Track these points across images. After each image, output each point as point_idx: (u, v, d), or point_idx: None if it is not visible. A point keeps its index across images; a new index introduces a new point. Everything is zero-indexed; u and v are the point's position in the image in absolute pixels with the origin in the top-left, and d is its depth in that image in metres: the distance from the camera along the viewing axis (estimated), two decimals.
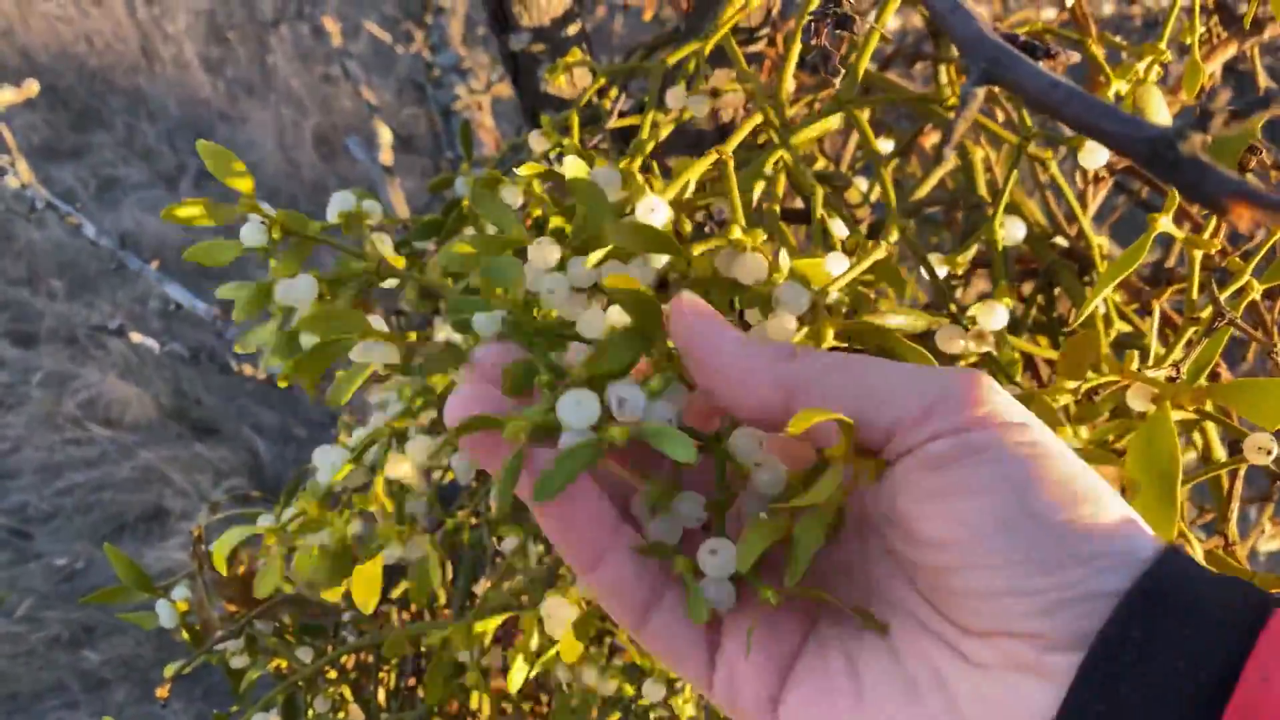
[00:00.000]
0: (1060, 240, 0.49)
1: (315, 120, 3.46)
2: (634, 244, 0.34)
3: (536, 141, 0.47)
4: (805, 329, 0.35)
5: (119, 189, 3.21)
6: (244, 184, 0.38)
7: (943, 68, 0.54)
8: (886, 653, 0.30)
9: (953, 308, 0.43)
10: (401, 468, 0.46)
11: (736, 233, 0.37)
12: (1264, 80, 0.55)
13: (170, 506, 2.59)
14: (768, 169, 0.44)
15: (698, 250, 0.37)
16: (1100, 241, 0.48)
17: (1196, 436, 0.45)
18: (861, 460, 0.29)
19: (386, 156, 1.47)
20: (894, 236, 0.40)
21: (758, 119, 0.46)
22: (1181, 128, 0.18)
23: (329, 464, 0.42)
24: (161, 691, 0.54)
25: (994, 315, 0.39)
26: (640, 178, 0.39)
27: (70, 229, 3.13)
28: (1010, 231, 0.41)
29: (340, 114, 3.46)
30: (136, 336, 1.01)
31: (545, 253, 0.35)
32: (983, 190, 0.49)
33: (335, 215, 0.44)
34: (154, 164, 3.28)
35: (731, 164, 0.40)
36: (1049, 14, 1.05)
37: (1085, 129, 0.20)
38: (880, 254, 0.37)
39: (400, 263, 0.45)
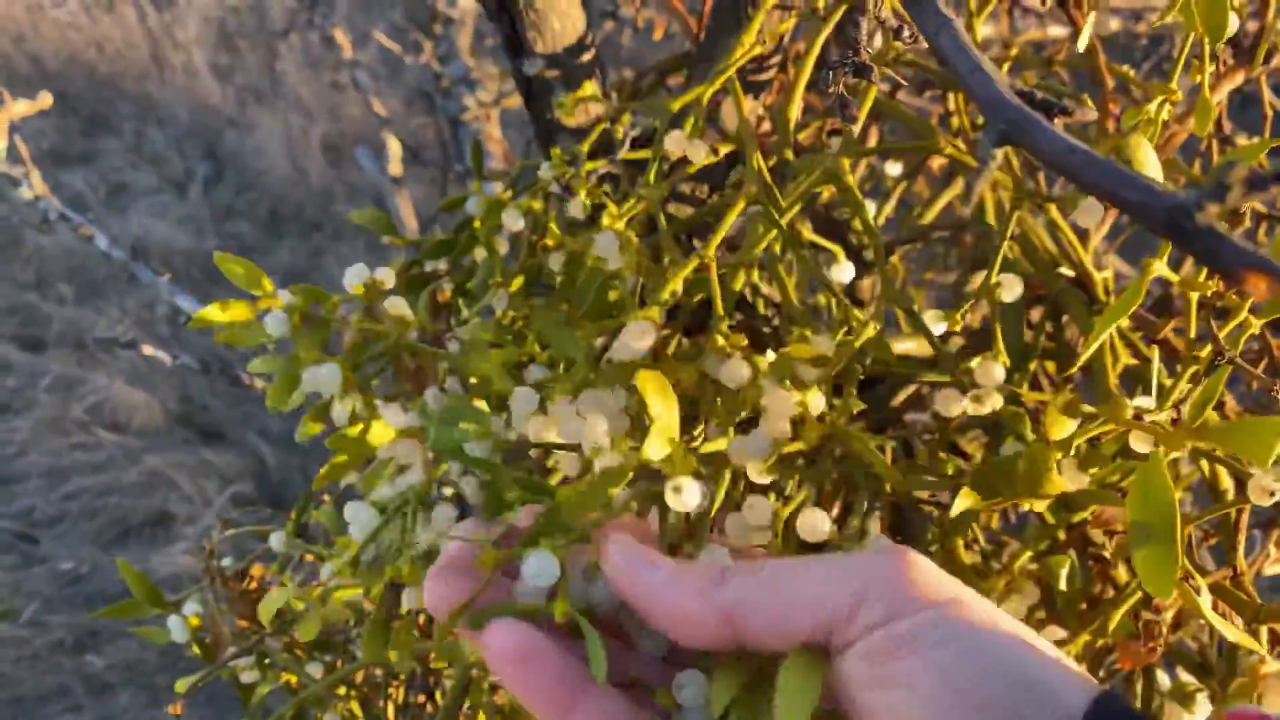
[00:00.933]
0: (1067, 271, 0.50)
1: (323, 128, 3.48)
2: (619, 379, 0.36)
3: (546, 173, 0.47)
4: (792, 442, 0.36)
5: (128, 194, 3.22)
6: (265, 284, 0.39)
7: (951, 94, 0.55)
8: None
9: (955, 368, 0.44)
10: (428, 537, 0.46)
11: (720, 341, 0.38)
12: (1270, 108, 0.55)
13: (176, 511, 2.60)
14: (755, 253, 0.45)
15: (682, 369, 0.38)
16: (1105, 275, 0.49)
17: (1204, 464, 0.46)
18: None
19: (395, 168, 1.48)
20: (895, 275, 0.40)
21: (739, 207, 0.46)
22: (1199, 199, 0.18)
23: (361, 523, 0.43)
24: (174, 709, 0.55)
25: (992, 372, 0.39)
26: (637, 250, 0.40)
27: (77, 236, 3.15)
28: (1009, 289, 0.41)
29: (348, 122, 3.48)
30: (148, 349, 1.02)
31: (524, 401, 0.37)
32: (991, 219, 0.49)
33: (352, 286, 0.45)
34: (163, 170, 3.29)
35: (715, 268, 0.41)
36: (1056, 31, 1.05)
37: (1103, 195, 0.20)
38: (870, 332, 0.38)
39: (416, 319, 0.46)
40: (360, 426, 0.41)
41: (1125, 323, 0.48)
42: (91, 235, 1.01)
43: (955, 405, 0.39)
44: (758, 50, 0.45)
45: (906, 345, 0.52)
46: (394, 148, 1.47)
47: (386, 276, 0.45)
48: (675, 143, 0.43)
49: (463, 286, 0.58)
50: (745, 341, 0.39)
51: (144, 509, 2.61)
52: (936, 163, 0.76)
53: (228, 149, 3.39)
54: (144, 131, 3.37)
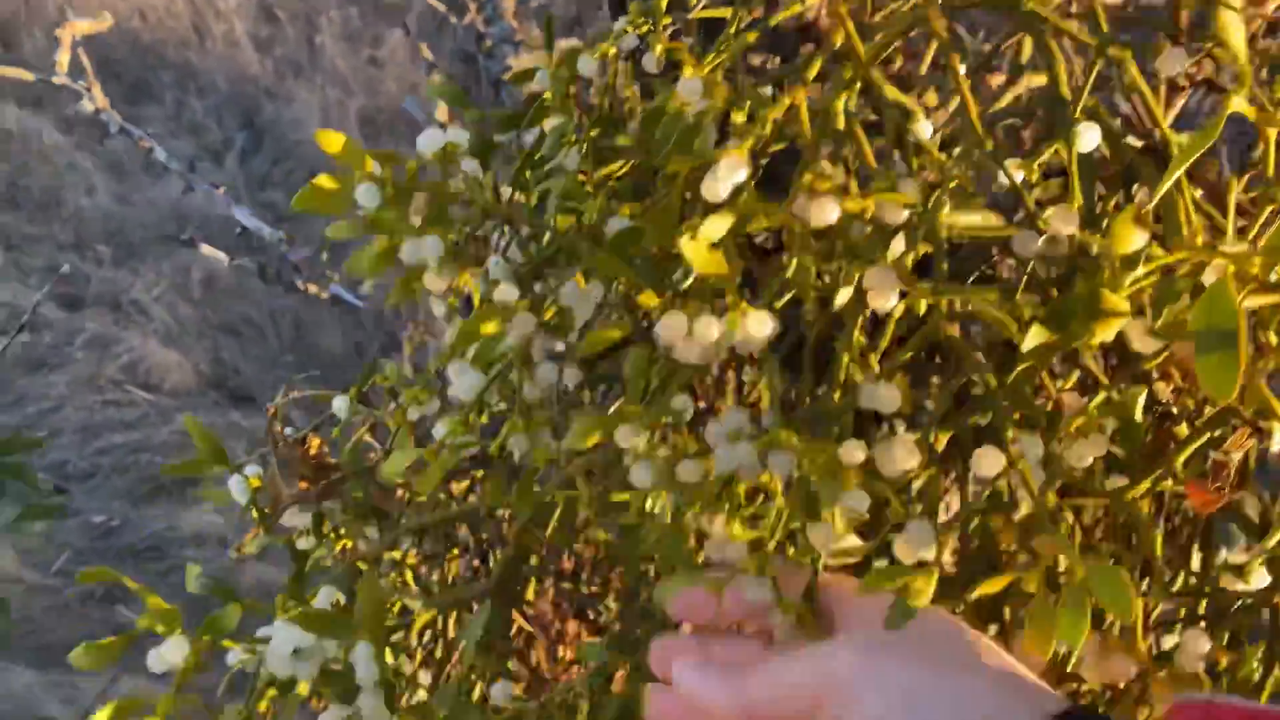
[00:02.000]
0: (1135, 141, 0.50)
1: (360, 102, 3.50)
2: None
3: (622, 25, 0.48)
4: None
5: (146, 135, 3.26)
6: (367, 162, 0.40)
7: None
8: None
9: (1031, 206, 0.44)
10: (534, 393, 0.47)
11: (810, 178, 0.38)
12: None
13: (205, 472, 2.62)
14: (839, 105, 0.45)
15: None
16: (1180, 139, 0.49)
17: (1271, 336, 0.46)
18: None
19: (443, 113, 1.49)
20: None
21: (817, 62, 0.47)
22: None
23: (468, 386, 0.44)
24: (239, 550, 0.56)
25: (1068, 219, 0.40)
26: (723, 93, 0.41)
27: (117, 197, 3.19)
28: (1086, 137, 0.42)
29: (385, 96, 3.50)
30: (207, 249, 1.04)
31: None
32: (1065, 90, 0.49)
33: (429, 153, 0.46)
34: (201, 138, 3.32)
35: (805, 106, 0.41)
36: None
37: None
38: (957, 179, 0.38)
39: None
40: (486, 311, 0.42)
41: (1197, 192, 0.48)
42: (150, 148, 1.02)
43: (1032, 244, 0.40)
44: None
45: (973, 218, 0.52)
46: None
47: (461, 139, 0.45)
48: None
49: (529, 158, 0.59)
50: (840, 179, 0.39)
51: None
52: (994, 81, 0.76)
53: (265, 119, 3.42)
54: (184, 100, 3.41)
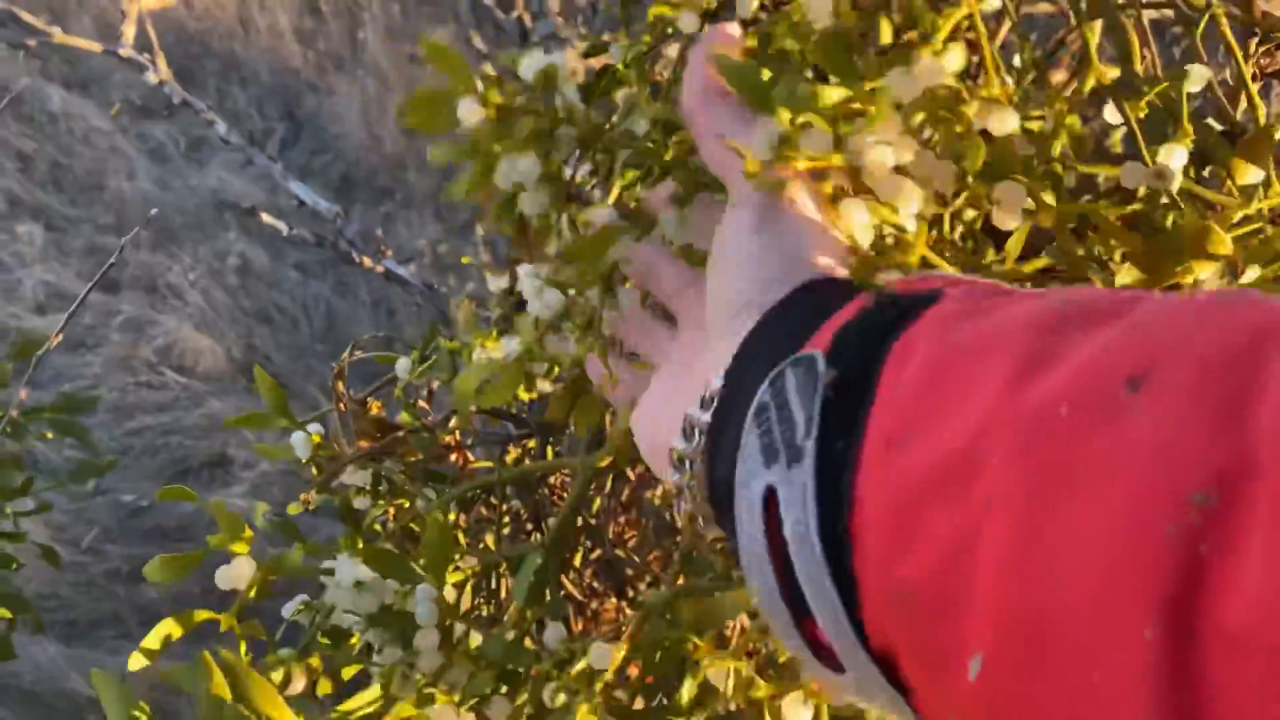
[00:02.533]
0: (1216, 124, 0.50)
1: (400, 97, 3.52)
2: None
3: None
4: None
5: (206, 149, 3.30)
6: (467, 76, 0.40)
7: None
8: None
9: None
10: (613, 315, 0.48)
11: (995, 88, 0.37)
12: None
13: (234, 455, 2.65)
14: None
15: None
16: (1277, 110, 0.49)
17: None
18: None
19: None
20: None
21: None
22: None
23: (550, 302, 0.44)
24: (306, 498, 0.57)
25: (1175, 155, 0.40)
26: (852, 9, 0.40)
27: (157, 182, 3.22)
28: (1196, 75, 0.42)
29: None
30: (267, 218, 1.05)
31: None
32: (1139, 66, 0.50)
33: (531, 75, 0.45)
34: (242, 128, 3.36)
35: (978, 14, 0.41)
36: None
37: None
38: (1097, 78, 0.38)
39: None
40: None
41: None
42: (213, 120, 1.04)
43: (1139, 177, 0.40)
44: None
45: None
46: None
47: (560, 62, 0.45)
48: None
49: (599, 129, 0.60)
50: (1014, 91, 0.38)
51: (204, 450, 2.66)
52: (1056, 78, 0.77)
53: (306, 112, 3.46)
54: (226, 90, 3.45)
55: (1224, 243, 0.36)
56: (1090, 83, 0.40)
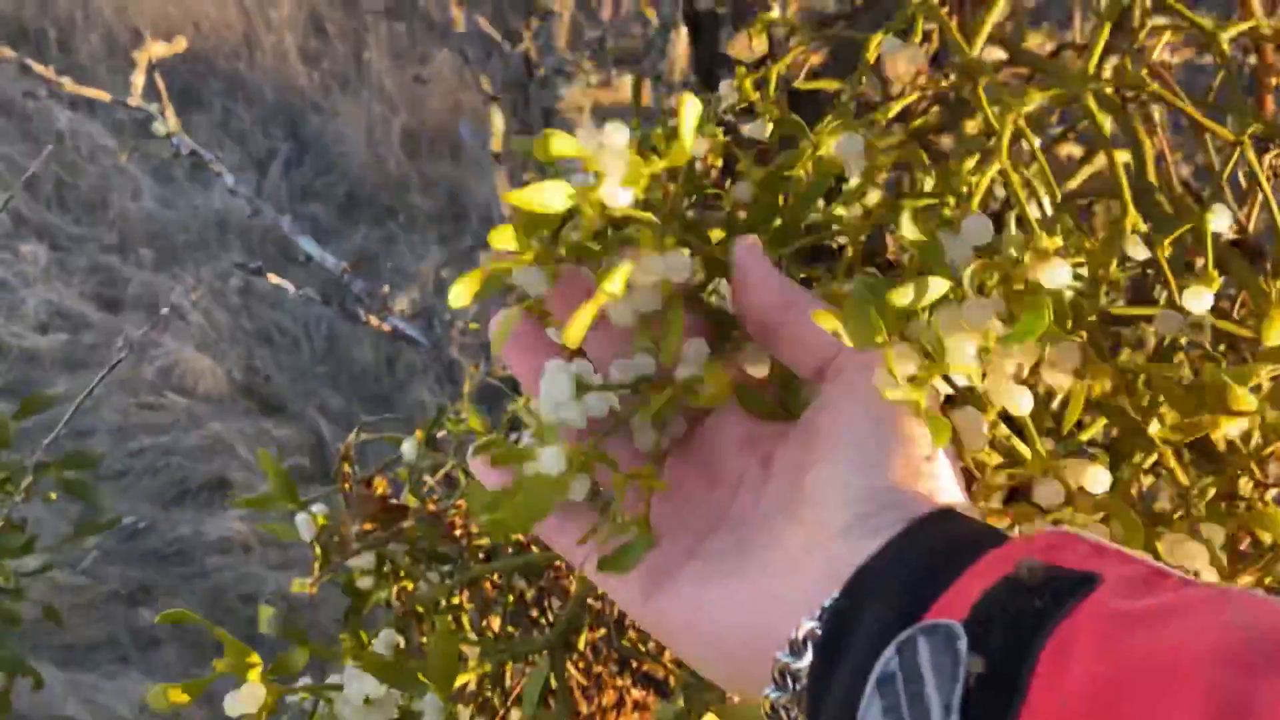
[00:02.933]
0: (1227, 230, 0.50)
1: (404, 119, 3.54)
2: None
3: (727, 90, 0.48)
4: None
5: (210, 170, 3.30)
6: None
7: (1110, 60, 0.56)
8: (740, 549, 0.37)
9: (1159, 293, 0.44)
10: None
11: (1044, 242, 0.37)
12: None
13: (233, 478, 2.65)
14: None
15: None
16: None
17: None
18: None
19: (498, 144, 1.51)
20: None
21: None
22: None
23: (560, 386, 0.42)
24: (309, 588, 0.57)
25: (1201, 298, 0.40)
26: (881, 155, 0.41)
27: (162, 202, 3.23)
28: (1220, 219, 0.42)
29: (429, 114, 3.54)
30: (274, 278, 1.05)
31: None
32: (1151, 176, 0.50)
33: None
34: (246, 147, 3.37)
35: (1012, 169, 0.40)
36: None
37: None
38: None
39: None
40: None
41: None
42: (220, 173, 1.04)
43: (1174, 325, 0.40)
44: None
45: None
46: (498, 125, 1.50)
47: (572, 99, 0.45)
48: (891, 47, 0.44)
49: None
50: (1060, 243, 0.38)
51: (203, 472, 2.66)
52: (1064, 150, 0.77)
53: (310, 132, 3.47)
54: (231, 109, 3.46)
55: (1246, 401, 0.36)
56: (1129, 235, 0.40)
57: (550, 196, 0.34)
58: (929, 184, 0.42)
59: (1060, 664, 0.27)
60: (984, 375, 0.36)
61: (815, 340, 0.37)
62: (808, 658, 0.32)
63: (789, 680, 0.32)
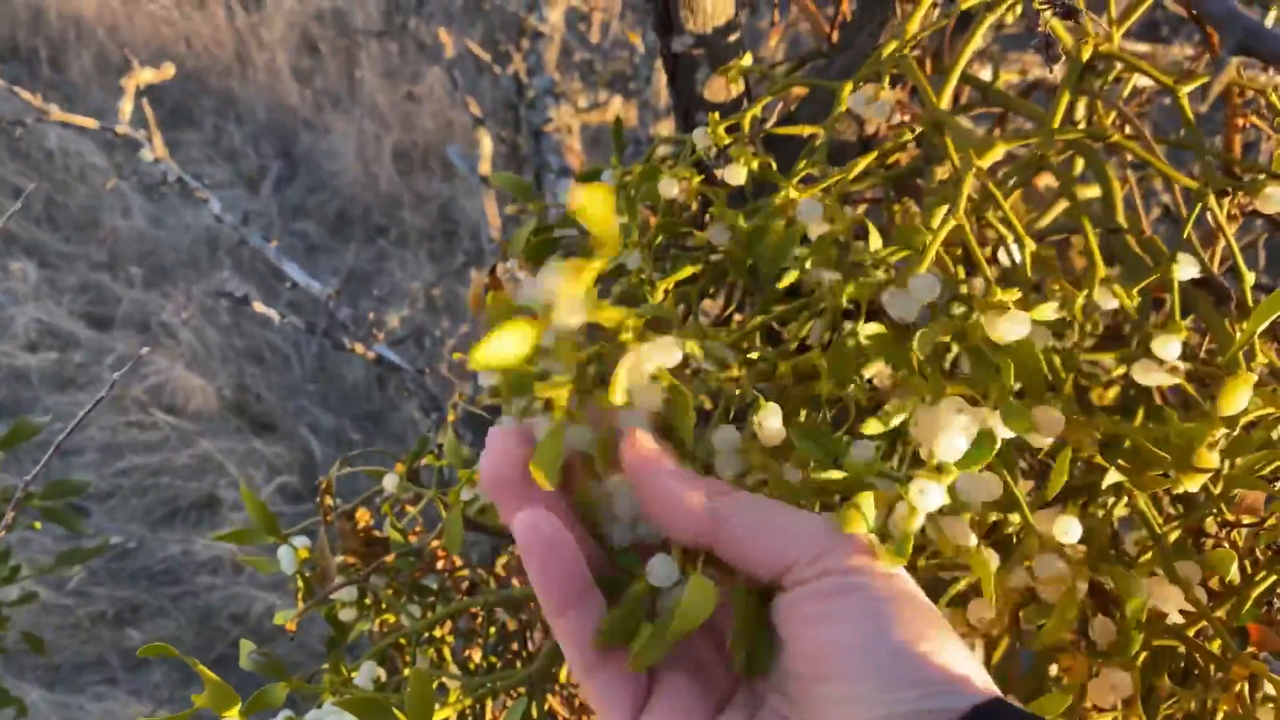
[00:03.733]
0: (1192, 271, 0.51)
1: (396, 136, 3.55)
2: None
3: (702, 138, 0.49)
4: None
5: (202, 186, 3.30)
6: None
7: (1082, 102, 0.56)
8: None
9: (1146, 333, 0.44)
10: None
11: (998, 293, 0.37)
12: None
13: (223, 497, 2.64)
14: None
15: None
16: (1249, 276, 0.50)
17: None
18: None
19: (485, 167, 1.52)
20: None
21: (905, 136, 0.49)
22: None
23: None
24: (290, 626, 0.57)
25: (1169, 346, 0.41)
26: (843, 212, 0.41)
27: (152, 220, 3.23)
28: (1184, 270, 0.43)
29: (420, 132, 3.55)
30: (259, 306, 1.06)
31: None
32: (1121, 220, 0.51)
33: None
34: (238, 165, 3.37)
35: (969, 227, 0.41)
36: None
37: None
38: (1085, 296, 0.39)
39: None
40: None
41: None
42: (207, 199, 1.05)
43: (1154, 375, 0.40)
44: (925, 34, 0.47)
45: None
46: (486, 147, 1.51)
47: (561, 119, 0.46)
48: (858, 103, 0.45)
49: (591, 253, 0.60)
50: (1017, 295, 0.38)
51: (193, 491, 2.65)
52: (1042, 182, 0.78)
53: (302, 150, 3.47)
54: (223, 127, 3.46)
55: (1209, 460, 0.37)
56: (1095, 287, 0.41)
57: (511, 345, 0.33)
58: (875, 244, 0.43)
59: None
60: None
61: (761, 552, 0.35)
62: None
63: None
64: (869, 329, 0.37)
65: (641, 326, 0.36)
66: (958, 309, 0.38)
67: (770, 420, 0.37)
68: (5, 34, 3.56)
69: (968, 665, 0.33)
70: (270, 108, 3.56)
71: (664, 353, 0.36)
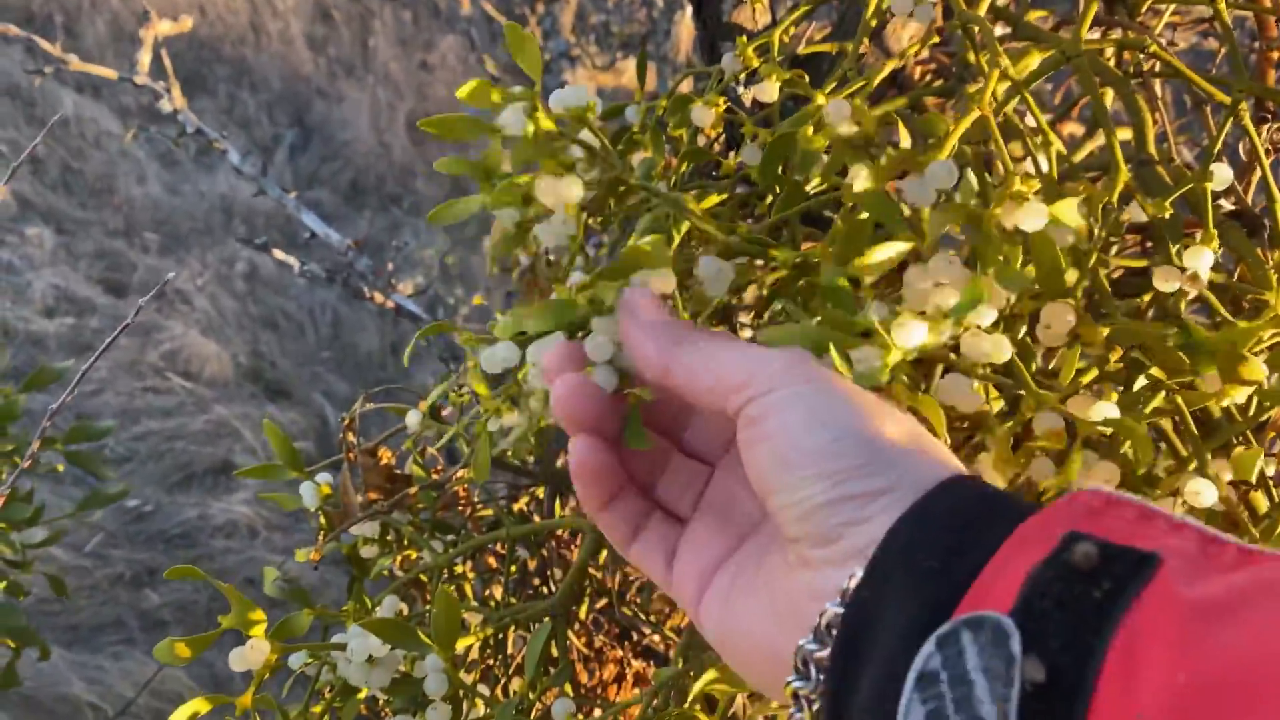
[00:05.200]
0: (1227, 203, 0.50)
1: (409, 105, 3.54)
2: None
3: (730, 64, 0.49)
4: None
5: (215, 154, 3.30)
6: (535, 69, 0.39)
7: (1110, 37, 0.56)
8: (757, 563, 0.37)
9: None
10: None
11: (1017, 184, 0.37)
12: None
13: (238, 462, 2.65)
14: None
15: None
16: None
17: None
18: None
19: None
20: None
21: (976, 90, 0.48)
22: None
23: (498, 359, 0.43)
24: (315, 555, 0.57)
25: (1201, 257, 0.40)
26: (870, 114, 0.41)
27: (167, 187, 3.23)
28: (1220, 175, 0.43)
29: (434, 101, 3.54)
30: (279, 254, 1.06)
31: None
32: (1151, 149, 0.50)
33: (563, 109, 0.43)
34: (251, 133, 3.37)
35: (993, 118, 0.41)
36: None
37: None
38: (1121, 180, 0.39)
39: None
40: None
41: None
42: (224, 150, 1.05)
43: (1174, 280, 0.40)
44: None
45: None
46: None
47: (595, 100, 0.44)
48: (902, 4, 0.44)
49: (613, 188, 0.60)
50: (1037, 186, 0.38)
51: (208, 456, 2.67)
52: (1066, 129, 0.77)
53: (315, 118, 3.47)
54: (237, 95, 3.46)
55: (1257, 371, 0.36)
56: (1118, 188, 0.40)
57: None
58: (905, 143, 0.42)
59: (1129, 668, 0.24)
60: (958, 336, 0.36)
61: (703, 386, 0.36)
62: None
63: (811, 668, 0.31)
64: (862, 178, 0.37)
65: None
66: (973, 199, 0.37)
67: None
68: (19, 2, 3.56)
69: (913, 450, 0.33)
70: (284, 76, 3.55)
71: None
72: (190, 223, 3.02)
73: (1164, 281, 0.41)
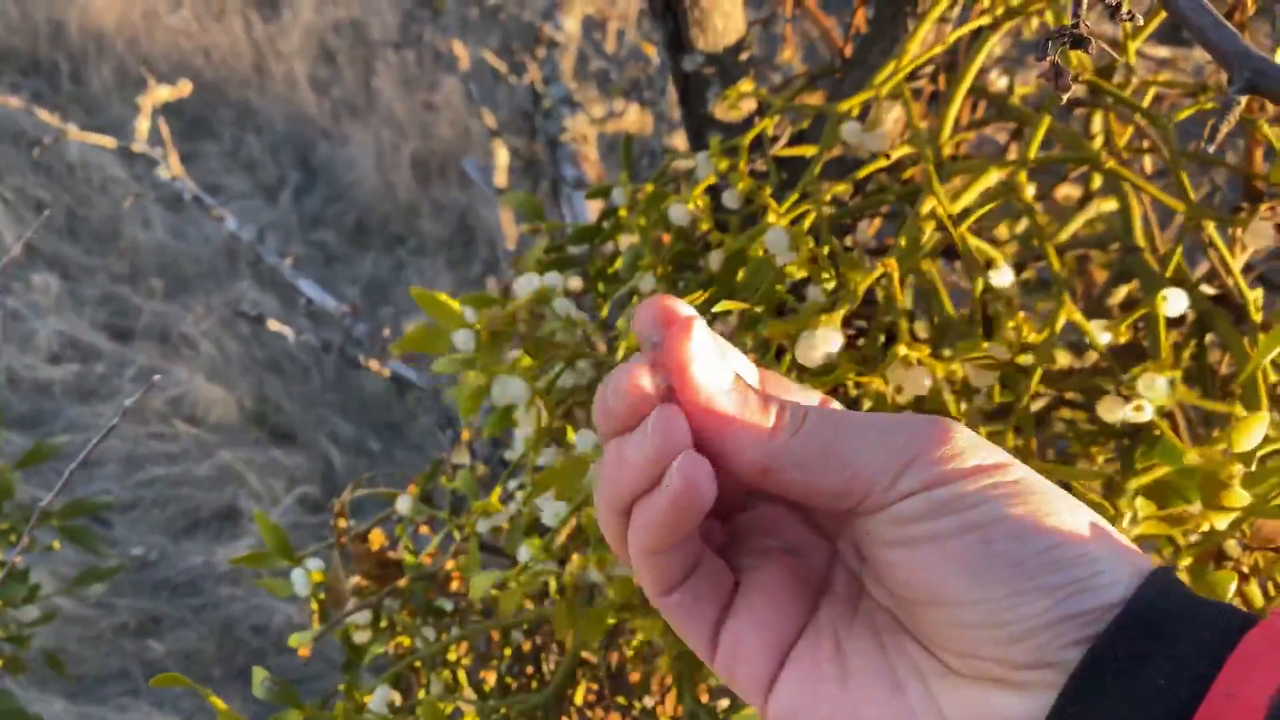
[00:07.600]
0: (1209, 289, 0.50)
1: (414, 145, 3.56)
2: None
3: (704, 163, 0.49)
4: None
5: (221, 196, 3.32)
6: (454, 308, 0.42)
7: (1098, 115, 0.56)
8: (875, 646, 0.31)
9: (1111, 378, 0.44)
10: None
11: (904, 350, 0.38)
12: None
13: (244, 507, 2.65)
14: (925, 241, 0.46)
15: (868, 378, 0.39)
16: (1255, 295, 0.49)
17: None
18: None
19: (501, 179, 1.52)
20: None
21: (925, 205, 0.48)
22: None
23: (553, 513, 0.45)
24: (304, 651, 0.57)
25: (1155, 386, 0.40)
26: (809, 248, 0.42)
27: (172, 231, 3.25)
28: (1173, 304, 0.42)
29: (438, 141, 3.56)
30: (274, 324, 1.06)
31: None
32: (1139, 238, 0.50)
33: (525, 296, 0.47)
34: (256, 175, 3.39)
35: (897, 276, 0.42)
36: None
37: None
38: (1047, 332, 0.39)
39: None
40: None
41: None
42: (222, 217, 1.05)
43: (1118, 411, 0.40)
44: (924, 58, 0.46)
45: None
46: (502, 159, 1.51)
47: (555, 283, 0.47)
48: (852, 134, 0.45)
49: (603, 272, 0.60)
50: (928, 351, 0.39)
51: (213, 502, 2.67)
52: (1062, 192, 0.77)
53: (320, 159, 3.49)
54: (241, 137, 3.49)
55: (1239, 498, 0.36)
56: (1060, 322, 0.40)
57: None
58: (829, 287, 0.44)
59: None
60: None
61: (825, 492, 0.30)
62: None
63: None
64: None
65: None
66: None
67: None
68: (27, 48, 3.59)
69: (1110, 549, 0.28)
70: (288, 118, 3.58)
71: None
72: (195, 266, 3.04)
73: (1109, 412, 0.40)
